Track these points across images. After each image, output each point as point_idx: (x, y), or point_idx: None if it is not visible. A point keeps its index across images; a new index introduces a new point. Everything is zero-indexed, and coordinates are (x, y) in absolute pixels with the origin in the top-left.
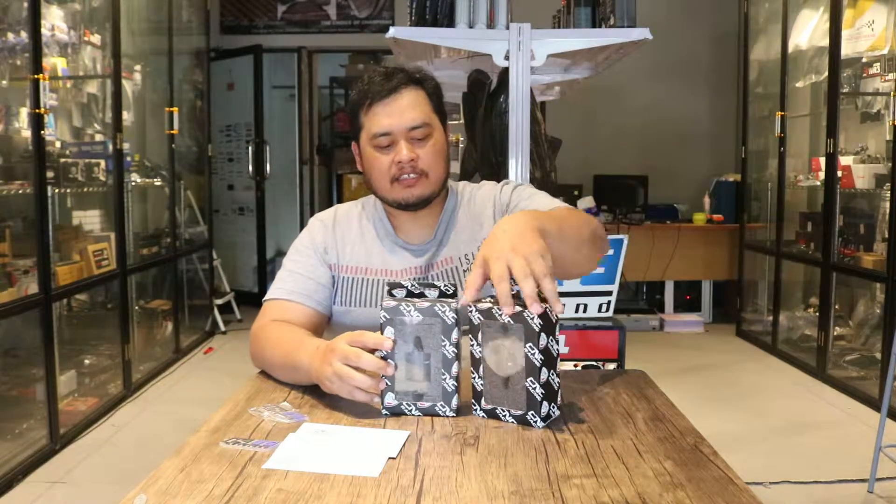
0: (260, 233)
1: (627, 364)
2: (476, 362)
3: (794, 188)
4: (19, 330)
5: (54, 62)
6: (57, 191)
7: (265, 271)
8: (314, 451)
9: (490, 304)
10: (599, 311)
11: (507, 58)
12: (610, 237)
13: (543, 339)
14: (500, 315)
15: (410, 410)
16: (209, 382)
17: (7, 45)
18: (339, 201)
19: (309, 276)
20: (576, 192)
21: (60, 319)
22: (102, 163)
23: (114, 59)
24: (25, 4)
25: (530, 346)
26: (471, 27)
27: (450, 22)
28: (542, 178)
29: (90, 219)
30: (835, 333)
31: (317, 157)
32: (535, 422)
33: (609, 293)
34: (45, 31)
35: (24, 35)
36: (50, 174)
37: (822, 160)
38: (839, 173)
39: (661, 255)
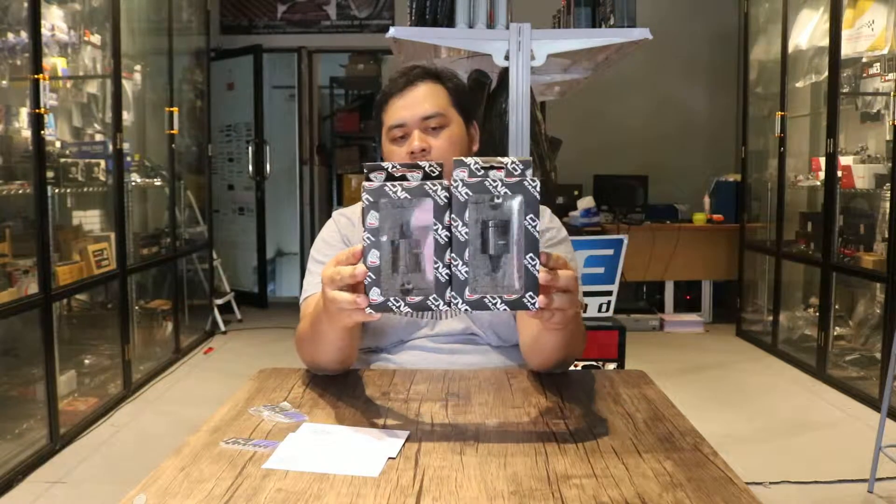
0: (260, 233)
1: (627, 364)
2: (461, 246)
3: (794, 188)
4: (19, 330)
5: (54, 62)
6: (57, 191)
7: (265, 271)
8: (314, 451)
9: (480, 178)
10: (599, 311)
11: (507, 58)
12: (610, 237)
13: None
14: (496, 187)
15: (399, 307)
16: (209, 382)
17: (7, 45)
18: (340, 201)
19: None
20: (576, 192)
21: (60, 319)
22: (102, 163)
23: (114, 59)
24: (25, 4)
25: (531, 219)
26: (471, 27)
27: (450, 22)
28: (543, 179)
29: (90, 219)
30: (835, 333)
31: (317, 157)
32: (533, 303)
33: (609, 293)
34: (45, 31)
35: (24, 35)
36: (50, 174)
37: (822, 160)
38: (839, 173)
39: (661, 255)
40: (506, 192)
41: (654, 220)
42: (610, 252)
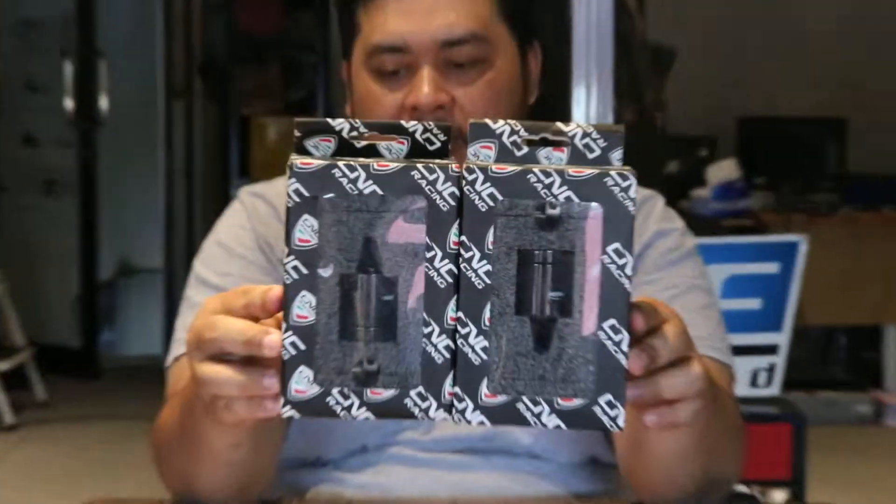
0: (87, 232)
1: (813, 489)
2: (478, 298)
3: None
4: None
5: None
6: None
7: (95, 308)
8: None
9: (520, 165)
10: (754, 383)
11: None
12: (773, 238)
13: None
14: (550, 185)
15: (348, 407)
16: None
17: None
18: (245, 172)
19: None
20: (704, 151)
21: None
22: None
23: None
24: None
25: (616, 251)
26: None
27: None
28: (639, 120)
29: None
30: None
31: (200, 83)
32: (614, 417)
33: (772, 350)
34: None
35: None
36: None
37: None
38: None
39: (874, 273)
40: (569, 196)
41: (857, 205)
42: (773, 268)
